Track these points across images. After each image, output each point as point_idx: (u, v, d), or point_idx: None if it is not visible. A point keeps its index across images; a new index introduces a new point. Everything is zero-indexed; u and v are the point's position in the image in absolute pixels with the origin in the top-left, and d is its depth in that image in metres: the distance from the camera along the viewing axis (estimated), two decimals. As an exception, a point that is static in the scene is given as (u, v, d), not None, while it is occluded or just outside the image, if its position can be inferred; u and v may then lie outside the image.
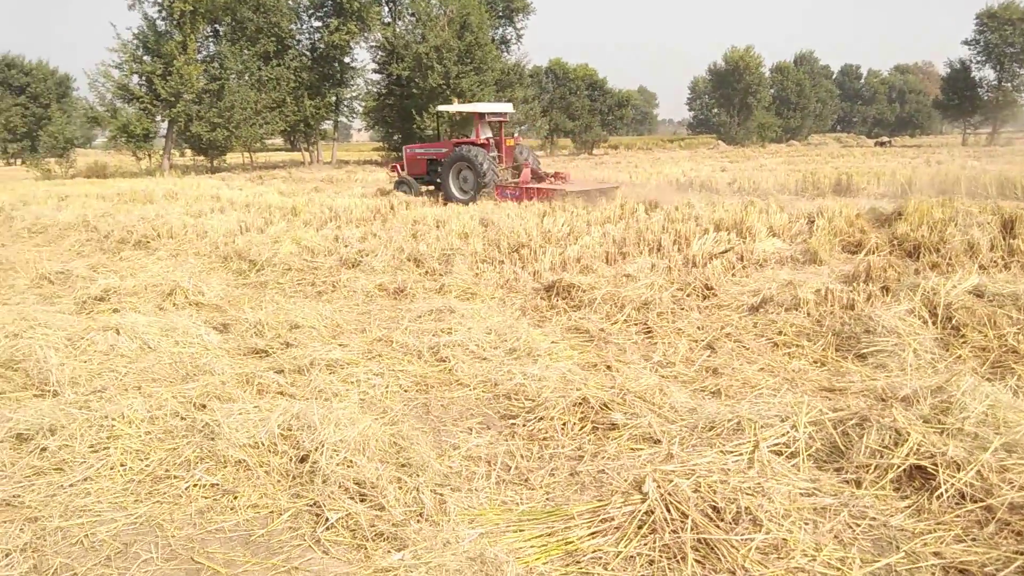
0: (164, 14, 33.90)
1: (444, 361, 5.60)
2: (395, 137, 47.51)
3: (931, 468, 3.48)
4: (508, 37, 52.00)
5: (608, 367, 5.41)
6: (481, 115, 17.84)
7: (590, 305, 6.98)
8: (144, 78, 34.04)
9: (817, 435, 3.92)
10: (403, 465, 3.82)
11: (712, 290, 7.29)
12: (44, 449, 4.09)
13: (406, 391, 5.14)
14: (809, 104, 77.59)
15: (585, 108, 59.20)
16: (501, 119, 18.07)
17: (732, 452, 3.83)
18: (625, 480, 3.59)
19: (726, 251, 8.95)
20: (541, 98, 56.37)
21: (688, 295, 7.19)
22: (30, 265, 10.06)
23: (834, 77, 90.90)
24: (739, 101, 70.83)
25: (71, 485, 3.77)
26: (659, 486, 3.30)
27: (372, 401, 4.91)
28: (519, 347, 5.79)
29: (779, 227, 10.49)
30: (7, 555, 3.15)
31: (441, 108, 21.21)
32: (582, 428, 4.34)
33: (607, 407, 4.42)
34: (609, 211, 12.46)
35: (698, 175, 22.12)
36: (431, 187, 18.25)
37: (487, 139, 17.39)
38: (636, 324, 6.55)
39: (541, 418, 4.42)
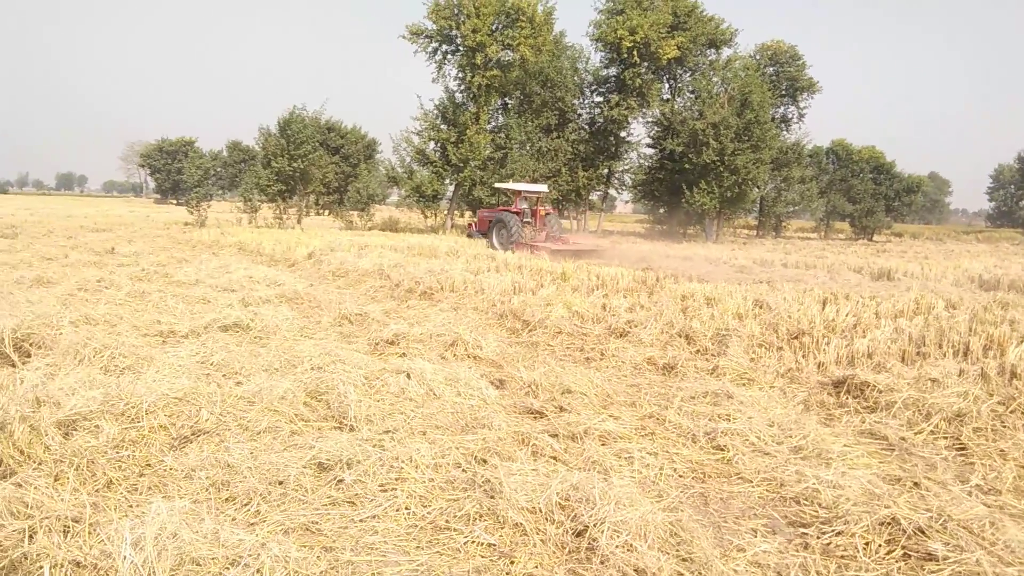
0: (463, 87, 37.19)
1: (722, 450, 5.25)
2: (661, 211, 47.68)
3: None
4: (790, 116, 50.48)
5: (915, 484, 4.71)
6: (518, 192, 25.90)
7: (887, 409, 6.23)
8: (439, 144, 37.40)
9: None
10: (684, 559, 3.55)
11: (1043, 409, 6.19)
12: (340, 481, 4.36)
13: (681, 476, 4.87)
14: None
15: (868, 192, 55.37)
16: (537, 195, 26.59)
17: (1093, 617, 3.10)
18: (952, 627, 3.02)
19: (1056, 364, 7.61)
20: (819, 179, 53.73)
21: (1012, 411, 6.16)
22: (333, 305, 11.22)
23: None
24: (1057, 192, 62.41)
25: (361, 520, 3.96)
26: (1002, 645, 2.73)
27: (645, 482, 4.70)
28: (806, 446, 5.28)
29: (1126, 341, 8.76)
30: (306, 579, 3.34)
31: (496, 185, 30.70)
32: (890, 552, 3.77)
33: (923, 533, 3.81)
34: (902, 304, 11.28)
35: (1006, 273, 19.44)
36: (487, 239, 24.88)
37: (521, 209, 25.13)
38: (946, 437, 5.71)
39: (839, 532, 3.92)
